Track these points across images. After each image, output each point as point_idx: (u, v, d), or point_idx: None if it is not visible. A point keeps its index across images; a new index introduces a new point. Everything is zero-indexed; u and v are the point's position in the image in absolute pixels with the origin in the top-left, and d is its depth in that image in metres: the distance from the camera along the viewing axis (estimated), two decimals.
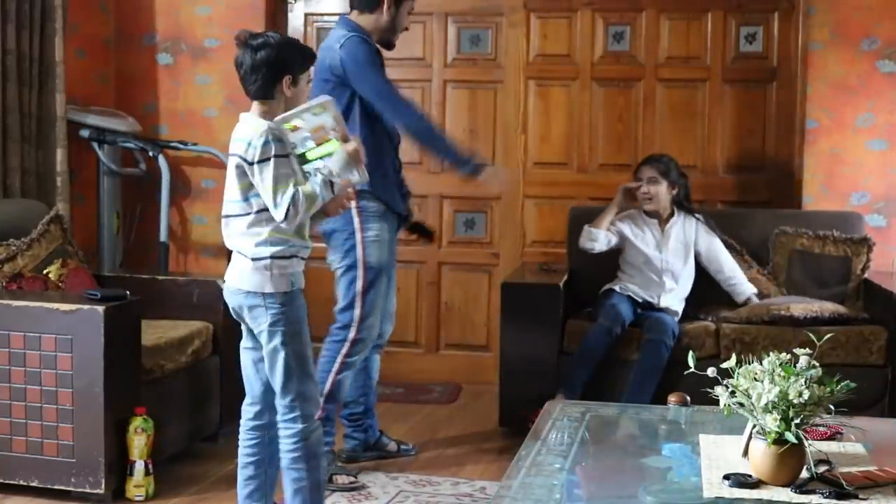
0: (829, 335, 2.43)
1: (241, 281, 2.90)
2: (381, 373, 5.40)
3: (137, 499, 3.50)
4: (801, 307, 4.24)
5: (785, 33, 5.03)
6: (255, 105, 2.92)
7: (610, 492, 2.33)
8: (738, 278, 4.48)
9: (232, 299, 2.95)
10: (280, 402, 2.94)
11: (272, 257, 2.85)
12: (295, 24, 5.46)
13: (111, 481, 3.44)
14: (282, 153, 2.81)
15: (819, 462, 2.19)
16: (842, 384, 2.16)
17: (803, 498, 2.09)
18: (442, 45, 5.29)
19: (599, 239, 4.45)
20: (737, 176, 5.05)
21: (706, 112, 5.12)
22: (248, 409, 3.04)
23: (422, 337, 5.34)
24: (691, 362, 2.31)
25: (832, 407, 2.17)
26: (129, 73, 5.43)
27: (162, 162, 4.95)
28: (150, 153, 5.02)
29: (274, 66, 2.87)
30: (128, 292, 3.60)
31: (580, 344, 4.19)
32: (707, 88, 5.12)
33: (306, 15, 5.44)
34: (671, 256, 4.44)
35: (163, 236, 4.93)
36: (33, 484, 3.48)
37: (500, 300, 4.34)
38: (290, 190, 2.78)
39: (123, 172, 5.20)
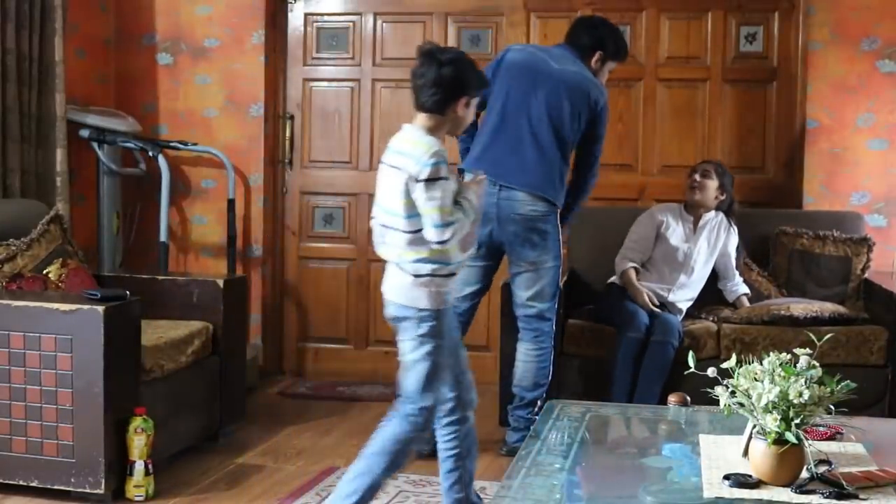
0: (829, 335, 2.44)
1: (397, 294, 2.96)
2: (381, 373, 5.43)
3: (137, 499, 3.50)
4: (801, 307, 4.24)
5: (785, 33, 5.03)
6: (423, 117, 2.94)
7: (610, 492, 2.33)
8: (735, 281, 4.50)
9: (388, 310, 3.02)
10: (403, 404, 2.99)
11: (431, 275, 2.90)
12: (295, 24, 5.45)
13: (111, 481, 3.44)
14: (447, 176, 2.85)
15: (819, 462, 2.19)
16: (842, 384, 2.16)
17: (803, 498, 2.09)
18: (442, 45, 5.28)
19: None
20: (737, 176, 5.03)
21: (706, 112, 5.12)
22: (439, 408, 3.09)
23: None
24: (691, 362, 2.31)
25: (832, 407, 2.17)
26: (129, 73, 5.43)
27: (162, 162, 4.95)
28: (150, 153, 5.01)
29: (456, 83, 2.90)
30: (128, 292, 3.60)
31: (614, 361, 4.17)
32: (707, 88, 5.12)
33: (306, 15, 5.44)
34: (695, 253, 4.44)
35: (163, 236, 4.93)
36: (33, 484, 3.48)
37: (501, 300, 4.34)
38: (456, 216, 2.84)
39: (123, 172, 5.20)
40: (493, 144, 4.01)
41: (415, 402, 2.97)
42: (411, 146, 2.87)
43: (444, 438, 3.12)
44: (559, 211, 4.06)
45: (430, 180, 2.81)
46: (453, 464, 3.11)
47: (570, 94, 3.98)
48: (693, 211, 4.50)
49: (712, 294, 4.51)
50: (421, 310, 2.91)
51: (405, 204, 2.86)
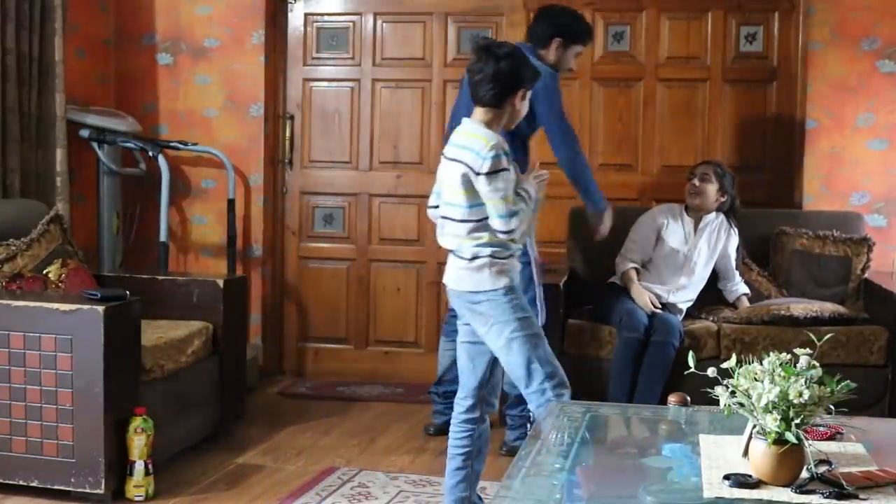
0: (829, 335, 2.43)
1: (460, 282, 3.00)
2: (381, 373, 5.43)
3: (137, 499, 3.50)
4: (801, 307, 4.24)
5: (785, 33, 5.03)
6: (481, 111, 3.01)
7: (610, 492, 2.33)
8: (735, 281, 4.51)
9: (454, 301, 3.06)
10: (527, 392, 2.99)
11: (491, 256, 2.95)
12: (295, 24, 5.45)
13: (111, 481, 3.44)
14: (507, 167, 2.91)
15: (819, 462, 2.19)
16: (842, 384, 2.15)
17: (803, 498, 2.08)
18: (442, 45, 5.29)
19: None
20: (737, 176, 5.04)
21: (706, 112, 5.12)
22: (460, 403, 3.12)
23: (422, 337, 5.35)
24: (691, 362, 2.31)
25: (832, 407, 2.17)
26: (129, 73, 5.43)
27: (162, 162, 4.95)
28: (150, 153, 5.01)
29: (513, 77, 2.97)
30: (128, 292, 3.60)
31: (612, 361, 4.18)
32: (707, 88, 5.12)
33: (306, 15, 5.44)
34: (696, 255, 4.44)
35: (163, 236, 4.93)
36: (33, 484, 3.48)
37: None
38: (519, 206, 2.90)
39: (123, 172, 5.20)
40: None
41: (529, 384, 2.98)
42: (469, 139, 2.94)
43: (456, 435, 3.13)
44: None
45: (492, 172, 2.87)
46: (462, 462, 3.12)
47: None
48: (693, 213, 4.50)
49: (712, 294, 4.51)
50: (488, 292, 2.95)
51: (465, 195, 2.92)
